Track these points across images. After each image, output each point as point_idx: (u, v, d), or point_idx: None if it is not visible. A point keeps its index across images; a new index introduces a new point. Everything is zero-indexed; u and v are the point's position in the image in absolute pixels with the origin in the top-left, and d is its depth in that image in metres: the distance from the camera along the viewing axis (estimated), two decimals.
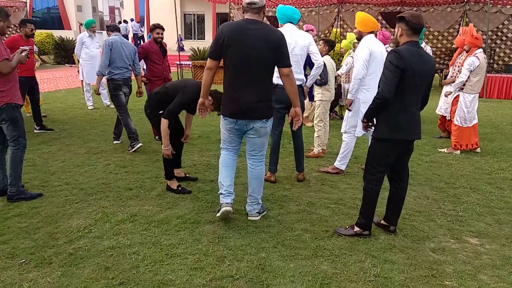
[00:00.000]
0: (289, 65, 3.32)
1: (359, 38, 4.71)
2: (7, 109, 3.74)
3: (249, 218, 3.60)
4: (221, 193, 3.48)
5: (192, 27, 28.58)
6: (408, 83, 3.05)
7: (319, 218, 3.65)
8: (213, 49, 3.26)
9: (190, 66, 14.70)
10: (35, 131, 6.45)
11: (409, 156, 3.37)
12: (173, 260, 2.92)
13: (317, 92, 5.68)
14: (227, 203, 3.42)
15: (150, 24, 6.00)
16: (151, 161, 5.18)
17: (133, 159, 5.22)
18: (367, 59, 4.46)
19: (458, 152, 5.89)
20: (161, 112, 4.05)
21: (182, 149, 4.59)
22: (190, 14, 28.03)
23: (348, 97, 4.69)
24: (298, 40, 4.25)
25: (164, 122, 3.93)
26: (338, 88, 7.62)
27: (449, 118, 6.43)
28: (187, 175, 4.56)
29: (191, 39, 27.78)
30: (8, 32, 15.78)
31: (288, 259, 2.96)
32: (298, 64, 4.29)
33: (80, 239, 3.18)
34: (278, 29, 4.23)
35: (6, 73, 3.66)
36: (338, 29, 14.51)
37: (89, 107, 8.66)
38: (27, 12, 16.65)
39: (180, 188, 4.18)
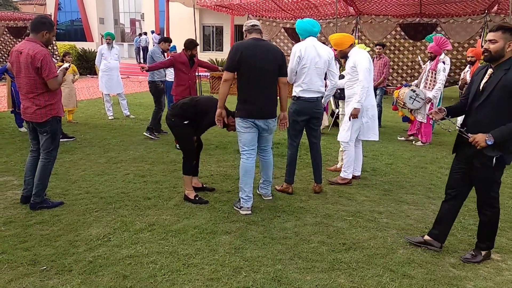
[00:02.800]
0: (286, 75, 4.09)
1: (343, 57, 4.89)
2: (52, 122, 3.88)
3: (265, 199, 4.32)
4: (242, 198, 4.00)
5: (210, 38, 28.96)
6: None
7: (336, 231, 3.63)
8: (230, 64, 3.84)
9: (208, 77, 14.88)
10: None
11: None
12: (190, 270, 2.94)
13: (341, 105, 5.76)
14: (248, 207, 3.99)
15: (188, 40, 6.37)
16: (169, 171, 5.24)
17: (152, 169, 5.29)
18: (368, 67, 4.63)
19: None
20: (186, 122, 4.15)
21: (199, 158, 4.63)
22: (209, 26, 28.44)
23: (356, 106, 4.70)
24: (322, 54, 4.30)
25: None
26: None
27: None
28: (204, 186, 4.59)
29: (210, 50, 28.13)
30: None
31: (305, 271, 2.95)
32: (320, 77, 4.35)
33: (100, 247, 3.23)
34: (301, 42, 4.30)
35: (54, 89, 3.83)
36: (356, 41, 14.51)
37: (110, 117, 8.84)
38: None
39: (197, 198, 4.20)
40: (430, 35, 7.10)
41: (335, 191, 4.66)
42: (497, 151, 2.86)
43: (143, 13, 30.74)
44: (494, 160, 2.87)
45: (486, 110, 2.89)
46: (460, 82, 7.38)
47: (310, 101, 4.33)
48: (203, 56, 21.53)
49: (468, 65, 7.20)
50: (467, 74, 7.14)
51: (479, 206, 3.16)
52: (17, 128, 7.43)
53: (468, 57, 7.12)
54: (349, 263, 3.07)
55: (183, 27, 23.01)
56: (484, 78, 2.94)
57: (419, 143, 7.01)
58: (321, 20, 14.44)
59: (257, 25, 3.98)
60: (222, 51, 27.62)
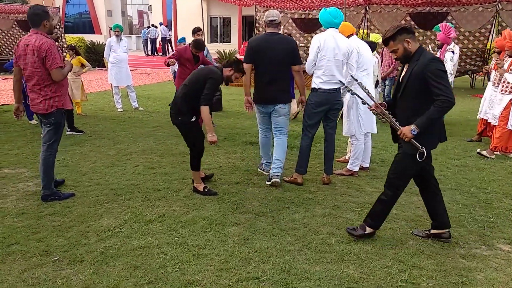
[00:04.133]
0: (300, 63, 4.45)
1: None
2: (56, 114, 3.90)
3: (272, 180, 4.45)
4: (264, 163, 4.86)
5: (218, 30, 28.85)
6: None
7: (345, 222, 3.62)
8: (247, 56, 4.45)
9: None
10: (67, 133, 6.67)
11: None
12: (200, 260, 2.96)
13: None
14: (277, 175, 4.48)
15: (198, 41, 6.47)
16: (178, 162, 5.27)
17: (161, 161, 5.32)
18: (356, 60, 4.53)
19: (493, 156, 5.71)
20: (193, 120, 4.10)
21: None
22: (217, 17, 28.32)
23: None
24: (341, 46, 4.27)
25: (205, 109, 3.92)
26: None
27: (494, 123, 5.92)
28: (205, 174, 4.60)
29: (217, 42, 28.06)
30: None
31: (314, 262, 2.96)
32: (339, 69, 4.33)
33: (111, 238, 3.28)
34: (322, 32, 4.30)
35: (58, 80, 3.82)
36: (365, 31, 14.34)
37: (119, 110, 8.88)
38: (59, 17, 17.24)
39: (206, 190, 4.22)
40: (438, 26, 6.98)
41: (344, 182, 4.65)
42: (418, 146, 2.98)
43: (150, 5, 30.71)
44: (418, 154, 2.99)
45: (406, 100, 3.06)
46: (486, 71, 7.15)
47: (330, 92, 4.32)
48: (211, 47, 21.48)
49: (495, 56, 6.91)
50: (491, 64, 6.94)
51: (385, 184, 3.28)
52: (27, 121, 7.51)
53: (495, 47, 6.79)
54: (358, 254, 3.08)
55: (191, 18, 22.97)
56: (403, 72, 3.11)
57: None
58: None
59: (275, 20, 4.37)
60: (229, 42, 27.54)
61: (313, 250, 3.12)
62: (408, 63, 3.07)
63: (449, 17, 12.87)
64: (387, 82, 8.36)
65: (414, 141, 2.97)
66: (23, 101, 7.47)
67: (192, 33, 7.05)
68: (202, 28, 7.30)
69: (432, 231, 3.33)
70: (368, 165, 5.08)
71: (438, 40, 6.66)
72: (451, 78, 6.80)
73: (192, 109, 4.07)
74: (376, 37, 6.94)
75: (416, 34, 13.29)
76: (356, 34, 4.84)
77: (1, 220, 3.57)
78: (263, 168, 4.91)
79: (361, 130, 4.84)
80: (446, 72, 2.91)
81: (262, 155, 4.90)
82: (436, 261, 3.01)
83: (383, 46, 8.59)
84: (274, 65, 4.33)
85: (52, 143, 3.96)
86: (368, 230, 3.28)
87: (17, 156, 5.46)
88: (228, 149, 5.97)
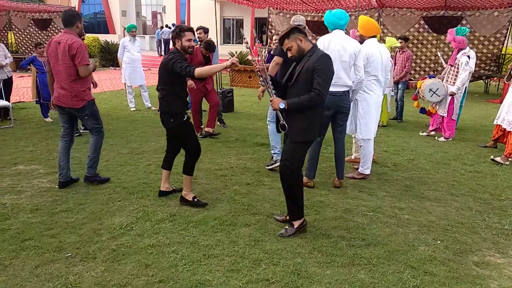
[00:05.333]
0: None
1: (360, 42, 4.73)
2: (89, 106, 4.27)
3: (275, 164, 4.83)
4: (275, 153, 5.01)
5: (230, 31, 28.94)
6: None
7: (356, 226, 3.61)
8: (281, 50, 4.33)
9: (228, 70, 14.89)
10: (81, 130, 6.75)
11: None
12: (210, 260, 2.97)
13: None
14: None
15: (209, 43, 6.51)
16: None
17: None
18: (363, 63, 4.49)
19: (507, 162, 5.63)
20: (185, 119, 3.84)
21: (176, 155, 4.18)
22: (229, 19, 28.41)
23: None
24: (347, 47, 4.23)
25: (197, 72, 3.54)
26: None
27: (510, 129, 5.73)
28: (174, 188, 4.24)
29: (230, 43, 28.13)
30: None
31: (324, 265, 2.95)
32: (346, 71, 4.29)
33: (122, 236, 3.31)
34: (325, 35, 4.30)
35: (84, 76, 4.16)
36: (378, 35, 14.26)
37: (132, 109, 8.96)
38: None
39: (196, 200, 3.95)
40: (461, 28, 6.91)
41: (355, 186, 4.63)
42: (280, 118, 3.30)
43: (164, 6, 30.94)
44: (280, 126, 3.32)
45: (295, 90, 3.26)
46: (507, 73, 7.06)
47: (336, 95, 4.28)
48: (223, 48, 21.59)
49: None
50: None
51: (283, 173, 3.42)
52: (42, 118, 7.62)
53: None
54: (370, 258, 3.06)
55: (204, 19, 23.02)
56: (297, 66, 3.32)
57: (441, 138, 6.88)
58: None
59: (300, 25, 4.56)
60: (241, 44, 27.57)
61: (324, 253, 3.11)
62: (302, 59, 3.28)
63: (464, 21, 12.73)
64: (399, 86, 8.29)
65: (279, 113, 3.29)
66: (37, 99, 7.62)
67: (208, 51, 6.84)
68: (208, 28, 7.23)
69: (288, 217, 3.57)
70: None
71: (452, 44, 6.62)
72: (466, 84, 6.74)
73: (181, 106, 3.87)
74: (393, 41, 6.90)
75: (430, 38, 13.22)
76: (374, 37, 4.80)
77: (15, 216, 3.62)
78: (276, 158, 5.03)
79: (357, 134, 4.80)
80: (332, 69, 3.20)
81: (274, 144, 5.05)
82: (448, 268, 2.98)
83: (396, 50, 8.56)
84: None
85: (98, 128, 4.41)
86: (297, 223, 3.41)
87: (32, 153, 5.54)
88: (239, 150, 5.98)
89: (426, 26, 13.41)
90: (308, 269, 2.89)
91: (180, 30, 3.81)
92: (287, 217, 3.58)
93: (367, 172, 4.83)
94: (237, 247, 3.17)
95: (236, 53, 17.15)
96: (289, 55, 3.31)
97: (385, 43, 7.93)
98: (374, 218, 3.78)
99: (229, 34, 29.06)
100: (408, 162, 5.60)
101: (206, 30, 7.15)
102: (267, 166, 5.11)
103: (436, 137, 6.98)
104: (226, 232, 3.42)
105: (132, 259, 2.97)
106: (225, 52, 18.73)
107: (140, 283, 2.68)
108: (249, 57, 3.51)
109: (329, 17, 4.31)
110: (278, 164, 4.67)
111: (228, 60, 3.54)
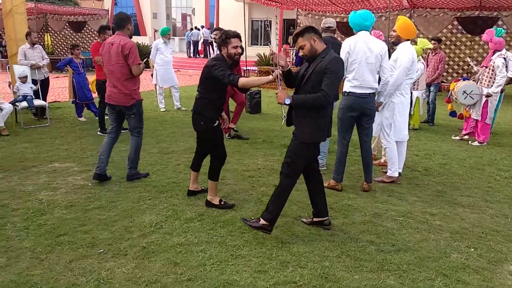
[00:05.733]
0: None
1: (396, 43, 4.70)
2: (137, 105, 4.51)
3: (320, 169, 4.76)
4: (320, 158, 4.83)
5: (258, 33, 29.03)
6: None
7: (385, 231, 3.54)
8: None
9: (256, 71, 14.95)
10: None
11: None
12: (238, 261, 2.99)
13: None
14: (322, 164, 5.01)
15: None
16: None
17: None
18: (408, 67, 4.48)
19: None
20: (216, 125, 3.84)
21: (204, 158, 4.18)
22: (258, 20, 28.50)
23: (380, 100, 4.56)
24: (373, 49, 4.18)
25: (241, 81, 3.51)
26: None
27: None
28: (202, 188, 4.27)
29: (257, 45, 28.22)
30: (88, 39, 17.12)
31: (353, 270, 2.91)
32: (372, 73, 4.23)
33: (152, 234, 3.37)
34: (351, 37, 4.25)
35: (137, 75, 4.45)
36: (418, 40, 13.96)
37: (161, 109, 9.13)
38: (108, 19, 17.96)
39: (223, 203, 3.95)
40: (499, 29, 6.68)
41: (385, 190, 4.55)
42: (283, 113, 3.35)
43: (194, 8, 31.38)
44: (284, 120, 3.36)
45: (304, 91, 3.19)
46: None
47: (361, 97, 4.23)
48: (251, 50, 21.70)
49: None
50: None
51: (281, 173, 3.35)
52: (77, 118, 7.87)
53: None
54: (399, 264, 3.00)
55: (233, 21, 23.21)
56: (309, 67, 3.26)
57: (475, 143, 6.66)
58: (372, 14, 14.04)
59: (331, 27, 4.87)
60: (269, 45, 27.57)
61: (352, 258, 3.08)
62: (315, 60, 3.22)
63: (500, 22, 12.30)
64: (431, 88, 8.09)
65: (283, 106, 3.24)
66: (74, 99, 7.88)
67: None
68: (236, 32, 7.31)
69: (314, 219, 3.56)
70: (401, 170, 4.91)
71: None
72: (502, 85, 6.50)
73: (215, 112, 3.85)
74: (425, 42, 6.76)
75: (464, 39, 12.84)
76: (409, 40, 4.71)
77: (51, 212, 3.76)
78: (321, 163, 5.03)
79: (390, 137, 4.72)
80: (342, 73, 3.20)
81: (322, 149, 5.10)
82: (482, 276, 2.88)
83: (428, 51, 8.36)
84: None
85: (140, 129, 4.62)
86: (263, 222, 3.29)
87: (67, 151, 5.74)
88: (267, 152, 5.99)
89: (459, 27, 13.04)
90: (336, 273, 2.87)
91: (226, 36, 3.70)
92: (313, 219, 3.58)
93: (396, 174, 4.74)
94: (264, 248, 3.18)
95: (263, 54, 17.21)
96: (301, 53, 3.25)
97: (416, 44, 7.78)
98: (404, 223, 3.70)
99: (257, 35, 29.15)
100: (440, 166, 5.45)
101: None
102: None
103: (469, 141, 6.77)
104: (254, 233, 3.43)
105: (161, 257, 3.02)
106: (253, 53, 18.82)
107: (169, 281, 2.73)
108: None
109: (354, 18, 4.27)
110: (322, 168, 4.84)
111: (272, 73, 3.47)
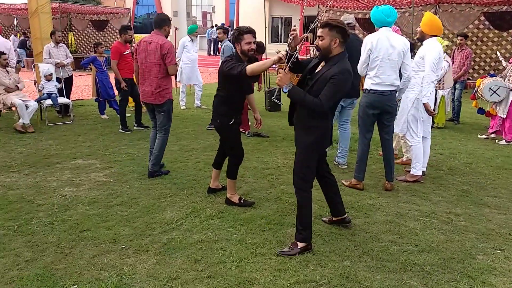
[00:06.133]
0: None
1: (420, 39, 4.60)
2: (168, 103, 4.59)
3: (340, 167, 5.07)
4: (339, 154, 5.20)
5: (279, 30, 28.92)
6: None
7: (408, 231, 3.47)
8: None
9: (276, 69, 14.89)
10: (134, 127, 7.03)
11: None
12: (258, 259, 2.98)
13: None
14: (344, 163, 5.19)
15: (259, 44, 6.80)
16: None
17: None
18: (436, 63, 4.38)
19: None
20: (231, 122, 3.78)
21: (225, 157, 4.11)
22: (278, 17, 28.40)
23: (424, 101, 4.44)
24: (396, 45, 4.10)
25: (248, 69, 3.39)
26: None
27: None
28: (223, 186, 4.26)
29: (278, 42, 28.12)
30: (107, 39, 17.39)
31: (375, 270, 2.86)
32: (394, 70, 4.15)
33: (173, 230, 3.40)
34: (373, 33, 4.17)
35: (172, 74, 4.59)
36: (440, 39, 13.65)
37: (182, 107, 9.20)
38: (130, 18, 18.19)
39: (242, 201, 3.93)
40: None
41: (408, 189, 4.46)
42: (279, 102, 3.24)
43: (214, 6, 31.49)
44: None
45: (311, 90, 2.97)
46: None
47: (383, 94, 4.16)
48: (271, 47, 21.62)
49: None
50: None
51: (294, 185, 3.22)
52: (99, 115, 8.01)
53: None
54: (423, 265, 2.93)
55: (253, 19, 23.19)
56: (317, 69, 3.06)
57: (502, 141, 6.46)
58: (396, 10, 13.79)
59: (351, 23, 4.86)
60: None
61: (374, 258, 3.03)
62: (326, 62, 3.02)
63: None
64: (457, 86, 7.89)
65: (280, 91, 3.08)
66: (96, 97, 8.02)
67: (258, 53, 7.10)
68: (229, 29, 7.55)
69: (334, 218, 3.52)
70: (424, 168, 4.79)
71: None
72: None
73: (231, 109, 3.80)
74: (440, 41, 6.61)
75: (491, 35, 12.47)
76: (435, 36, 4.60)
77: (75, 207, 3.84)
78: (339, 161, 5.19)
79: (416, 134, 4.62)
80: (346, 86, 2.93)
81: (344, 146, 5.21)
82: (509, 279, 2.79)
83: (454, 48, 8.15)
84: (355, 62, 4.38)
85: (167, 127, 4.69)
86: (301, 245, 3.08)
87: (90, 148, 5.84)
88: (286, 150, 5.96)
89: (486, 23, 12.65)
90: (357, 273, 2.82)
91: (239, 33, 3.64)
92: (332, 218, 3.54)
93: (419, 173, 4.64)
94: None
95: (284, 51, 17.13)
96: (316, 42, 3.03)
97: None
98: (428, 223, 3.62)
99: (278, 32, 29.05)
100: (465, 166, 5.31)
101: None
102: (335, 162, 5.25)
103: (496, 140, 6.58)
104: (273, 231, 3.42)
105: (182, 253, 3.04)
106: (273, 51, 18.77)
107: (189, 278, 2.74)
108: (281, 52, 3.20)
109: (376, 14, 4.19)
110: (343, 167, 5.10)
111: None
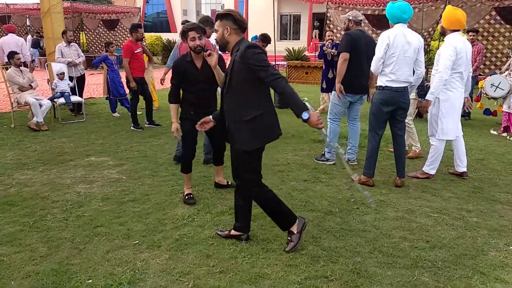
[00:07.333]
0: None
1: (442, 34, 4.54)
2: None
3: (350, 163, 5.03)
4: (329, 152, 5.16)
5: (287, 27, 28.86)
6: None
7: (419, 227, 3.47)
8: (348, 46, 4.70)
9: (285, 66, 14.88)
10: (145, 125, 7.10)
11: None
12: (269, 254, 3.01)
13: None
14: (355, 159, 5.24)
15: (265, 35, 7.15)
16: None
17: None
18: (452, 60, 4.25)
19: None
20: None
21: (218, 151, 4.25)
22: (287, 15, 28.33)
23: (428, 98, 4.38)
24: (412, 42, 4.10)
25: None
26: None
27: None
28: (229, 183, 4.29)
29: (287, 39, 28.07)
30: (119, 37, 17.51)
31: (386, 266, 2.87)
32: (409, 66, 4.16)
33: (185, 226, 3.44)
34: (389, 30, 4.16)
35: None
36: (461, 33, 13.50)
37: None
38: (140, 17, 18.31)
39: (187, 197, 3.94)
40: None
41: (418, 185, 4.44)
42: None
43: (223, 4, 31.51)
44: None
45: (235, 93, 2.84)
46: None
47: (397, 90, 4.16)
48: (280, 44, 21.60)
49: None
50: None
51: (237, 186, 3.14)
52: (111, 113, 8.10)
53: None
54: (434, 261, 2.93)
55: (261, 16, 23.19)
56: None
57: None
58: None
59: (361, 20, 4.96)
60: (298, 39, 27.41)
61: (385, 254, 3.03)
62: (231, 54, 2.90)
63: None
64: None
65: (245, 121, 2.83)
66: (108, 96, 8.11)
67: (265, 43, 7.21)
68: (206, 30, 7.57)
69: (232, 232, 3.23)
70: (464, 169, 4.69)
71: None
72: None
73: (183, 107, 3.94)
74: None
75: (502, 30, 12.29)
76: (434, 32, 4.59)
77: (88, 204, 3.90)
78: (327, 157, 5.20)
79: (438, 135, 4.55)
80: (262, 52, 2.73)
81: (333, 144, 5.03)
82: None
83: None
84: (365, 58, 4.72)
85: None
86: (295, 228, 3.04)
87: (102, 146, 5.92)
88: (296, 146, 5.97)
89: (498, 18, 12.49)
90: (368, 268, 2.84)
91: (183, 31, 3.77)
92: (230, 232, 3.26)
93: (433, 172, 4.61)
94: None
95: (292, 49, 17.09)
96: (215, 36, 2.97)
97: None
98: (439, 219, 3.61)
99: (286, 30, 28.99)
100: (476, 162, 5.27)
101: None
102: (316, 158, 5.32)
103: (508, 137, 6.51)
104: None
105: (194, 249, 3.08)
106: (282, 48, 18.73)
107: (201, 273, 2.78)
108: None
109: (391, 9, 4.15)
110: (328, 162, 5.15)
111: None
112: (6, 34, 9.28)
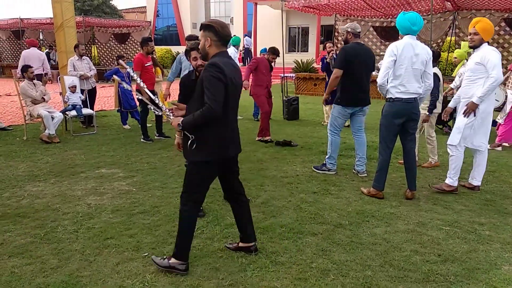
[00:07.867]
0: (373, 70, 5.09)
1: (477, 46, 4.30)
2: None
3: (359, 175, 5.11)
4: (331, 163, 5.24)
5: (296, 40, 29.05)
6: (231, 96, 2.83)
7: (430, 240, 3.42)
8: (342, 63, 4.84)
9: (294, 78, 14.94)
10: (155, 137, 7.16)
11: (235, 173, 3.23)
12: (278, 267, 2.99)
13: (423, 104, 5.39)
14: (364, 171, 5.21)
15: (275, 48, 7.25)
16: (256, 169, 5.38)
17: (240, 167, 5.46)
18: (498, 63, 4.17)
19: None
20: None
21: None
22: (295, 27, 28.54)
23: (475, 101, 4.25)
24: (420, 54, 4.09)
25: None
26: (445, 101, 7.04)
27: None
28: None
29: (295, 51, 28.23)
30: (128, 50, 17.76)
31: (397, 280, 2.83)
32: (417, 78, 4.16)
33: (194, 239, 3.40)
34: (397, 41, 4.16)
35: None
36: (453, 38, 13.46)
37: None
38: (150, 30, 18.59)
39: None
40: None
41: (429, 198, 4.40)
42: (188, 135, 2.82)
43: (232, 17, 31.88)
44: (189, 143, 2.83)
45: (194, 105, 2.81)
46: None
47: (408, 101, 4.15)
48: (288, 57, 21.71)
49: None
50: None
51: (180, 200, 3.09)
52: (121, 126, 8.19)
53: None
54: (446, 275, 2.89)
55: (270, 29, 23.41)
56: None
57: None
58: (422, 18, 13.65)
59: (360, 32, 4.99)
60: (307, 51, 27.54)
61: (396, 267, 3.00)
62: None
63: None
64: None
65: (184, 132, 2.84)
66: (119, 108, 8.21)
67: (275, 54, 7.23)
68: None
69: (240, 244, 3.21)
70: (479, 183, 4.62)
71: None
72: None
73: None
74: (464, 46, 6.58)
75: None
76: (443, 43, 4.58)
77: (99, 216, 3.93)
78: (329, 167, 5.26)
79: (460, 143, 4.44)
80: (218, 78, 2.67)
81: (334, 155, 5.26)
82: None
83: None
84: (363, 71, 4.88)
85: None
86: (173, 261, 2.92)
87: (113, 158, 5.98)
88: (305, 158, 5.96)
89: (507, 29, 12.44)
90: (379, 282, 2.80)
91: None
92: (238, 244, 3.24)
93: (456, 184, 4.51)
94: (304, 256, 3.16)
95: (301, 61, 17.16)
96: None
97: (460, 47, 7.52)
98: (451, 232, 3.57)
99: (295, 42, 29.16)
100: (488, 174, 5.21)
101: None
102: (315, 167, 5.38)
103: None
104: (293, 240, 3.42)
105: (203, 261, 3.08)
106: (290, 60, 18.83)
107: (210, 286, 2.77)
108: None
109: (401, 20, 4.15)
110: (330, 172, 5.22)
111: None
112: (28, 48, 9.52)
